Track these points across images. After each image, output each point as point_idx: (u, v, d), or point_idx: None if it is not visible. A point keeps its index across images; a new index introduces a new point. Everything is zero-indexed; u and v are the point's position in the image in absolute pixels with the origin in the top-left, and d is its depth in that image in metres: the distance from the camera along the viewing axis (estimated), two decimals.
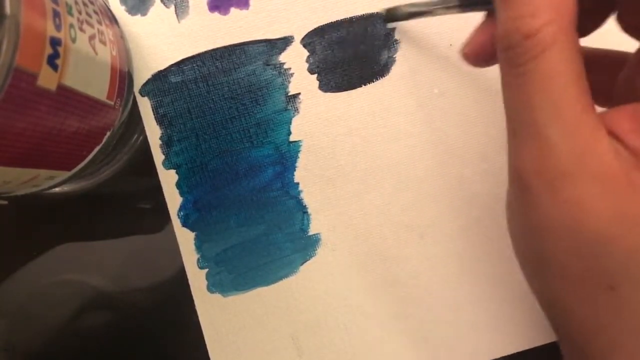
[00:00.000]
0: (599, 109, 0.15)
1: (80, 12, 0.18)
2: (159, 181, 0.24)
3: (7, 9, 0.13)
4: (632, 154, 0.14)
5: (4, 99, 0.14)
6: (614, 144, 0.14)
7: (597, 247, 0.14)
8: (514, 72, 0.14)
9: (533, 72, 0.14)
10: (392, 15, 0.24)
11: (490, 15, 0.17)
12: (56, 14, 0.16)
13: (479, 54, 0.18)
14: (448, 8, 0.19)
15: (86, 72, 0.18)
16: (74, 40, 0.17)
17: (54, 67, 0.16)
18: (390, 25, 0.24)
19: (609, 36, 0.17)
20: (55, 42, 0.16)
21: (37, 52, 0.15)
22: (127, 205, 0.25)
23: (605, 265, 0.14)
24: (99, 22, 0.20)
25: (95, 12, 0.20)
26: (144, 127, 0.24)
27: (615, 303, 0.14)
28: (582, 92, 0.14)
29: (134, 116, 0.24)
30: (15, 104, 0.14)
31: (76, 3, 0.18)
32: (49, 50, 0.15)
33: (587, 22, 0.17)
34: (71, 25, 0.17)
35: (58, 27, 0.16)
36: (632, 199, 0.13)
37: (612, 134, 0.14)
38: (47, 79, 0.15)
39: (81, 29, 0.18)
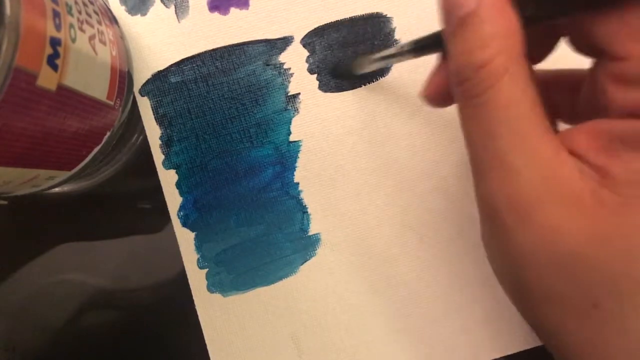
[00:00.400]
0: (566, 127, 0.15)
1: (80, 12, 0.18)
2: (159, 181, 0.24)
3: (7, 9, 0.13)
4: (596, 171, 0.14)
5: (4, 99, 0.14)
6: (578, 164, 0.14)
7: (575, 267, 0.14)
8: (470, 104, 0.15)
9: (490, 102, 0.14)
10: (356, 66, 0.24)
11: (444, 57, 0.17)
12: (56, 14, 0.16)
13: (439, 95, 0.18)
14: (403, 55, 0.20)
15: (86, 72, 0.18)
16: (74, 40, 0.17)
17: (54, 67, 0.16)
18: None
19: (567, 54, 0.17)
20: (55, 42, 0.16)
21: (37, 52, 0.15)
22: (127, 205, 0.25)
23: (586, 285, 0.14)
24: (99, 22, 0.20)
25: (95, 12, 0.20)
26: (143, 127, 0.24)
27: (601, 320, 0.14)
28: (540, 117, 0.14)
29: (134, 116, 0.24)
30: (15, 104, 0.14)
31: (76, 3, 0.18)
32: (49, 50, 0.15)
33: (539, 48, 0.17)
34: (71, 25, 0.17)
35: (58, 27, 0.16)
36: (601, 217, 0.13)
37: (574, 153, 0.14)
38: (47, 79, 0.15)
39: (81, 29, 0.18)
